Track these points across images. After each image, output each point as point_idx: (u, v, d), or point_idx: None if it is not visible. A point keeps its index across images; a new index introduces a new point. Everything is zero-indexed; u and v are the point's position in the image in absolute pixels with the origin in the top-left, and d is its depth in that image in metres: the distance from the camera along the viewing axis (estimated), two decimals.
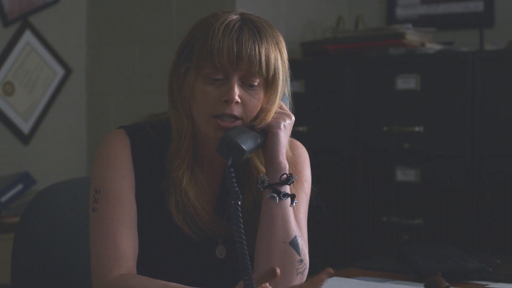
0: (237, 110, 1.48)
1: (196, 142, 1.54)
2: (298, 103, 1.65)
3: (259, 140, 1.50)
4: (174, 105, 1.54)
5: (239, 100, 1.47)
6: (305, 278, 1.54)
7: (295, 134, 1.61)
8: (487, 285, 1.71)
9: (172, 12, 3.66)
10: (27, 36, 3.69)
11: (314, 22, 3.84)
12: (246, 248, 1.29)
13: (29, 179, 3.59)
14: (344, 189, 3.33)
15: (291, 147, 1.61)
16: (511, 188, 3.00)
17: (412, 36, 3.34)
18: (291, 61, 1.58)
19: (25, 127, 3.70)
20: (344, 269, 1.90)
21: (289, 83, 1.56)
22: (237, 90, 1.47)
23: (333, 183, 3.32)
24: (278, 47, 1.51)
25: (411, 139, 3.18)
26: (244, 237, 1.30)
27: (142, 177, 1.53)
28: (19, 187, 3.56)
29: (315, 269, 1.58)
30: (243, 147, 1.45)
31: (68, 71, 3.86)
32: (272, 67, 1.49)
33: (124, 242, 1.48)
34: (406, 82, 3.19)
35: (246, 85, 1.49)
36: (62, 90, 3.84)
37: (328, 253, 3.30)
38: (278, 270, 1.25)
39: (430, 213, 3.15)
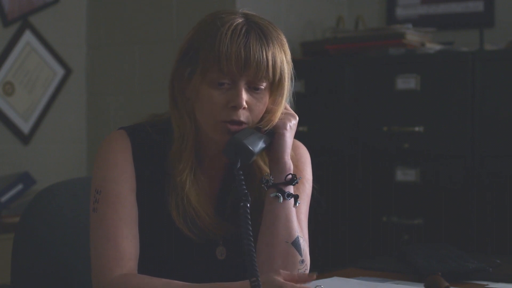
0: (244, 116, 1.48)
1: (197, 144, 1.54)
2: (298, 103, 1.65)
3: (266, 141, 1.50)
4: (176, 106, 1.53)
5: (246, 106, 1.47)
6: None
7: (295, 134, 1.61)
8: (487, 285, 1.70)
9: (172, 12, 3.66)
10: (27, 36, 3.69)
11: (314, 22, 3.84)
12: (254, 250, 1.30)
13: (29, 179, 3.59)
14: (344, 189, 3.33)
15: (293, 147, 1.61)
16: (511, 188, 3.00)
17: (412, 36, 3.34)
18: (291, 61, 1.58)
19: (25, 127, 3.70)
20: (344, 269, 1.90)
21: (293, 83, 1.56)
22: (244, 96, 1.47)
23: (333, 183, 3.32)
24: (283, 49, 1.51)
25: (411, 139, 3.18)
26: (252, 239, 1.31)
27: (143, 178, 1.53)
28: (19, 187, 3.55)
29: (315, 269, 1.57)
30: (252, 149, 1.45)
31: (68, 71, 3.86)
32: (278, 71, 1.49)
33: (125, 242, 1.48)
34: (406, 82, 3.19)
35: (252, 88, 1.49)
36: (62, 90, 3.84)
37: (328, 253, 3.30)
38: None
39: (430, 213, 3.15)
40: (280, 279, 1.33)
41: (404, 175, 3.20)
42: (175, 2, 3.65)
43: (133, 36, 3.79)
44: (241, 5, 3.43)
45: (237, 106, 1.46)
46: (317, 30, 3.84)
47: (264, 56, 1.46)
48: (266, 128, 1.51)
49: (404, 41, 3.29)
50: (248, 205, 1.36)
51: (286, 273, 1.35)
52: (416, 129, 3.16)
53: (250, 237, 1.31)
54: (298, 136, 1.64)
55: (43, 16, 3.75)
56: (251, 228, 1.32)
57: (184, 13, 3.62)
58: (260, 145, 1.48)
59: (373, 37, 3.38)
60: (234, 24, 1.48)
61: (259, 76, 1.47)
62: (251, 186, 1.55)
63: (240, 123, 1.48)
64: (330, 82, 3.38)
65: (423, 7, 3.75)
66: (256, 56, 1.46)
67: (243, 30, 1.47)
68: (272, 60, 1.48)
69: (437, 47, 3.30)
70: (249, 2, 3.48)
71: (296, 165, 1.59)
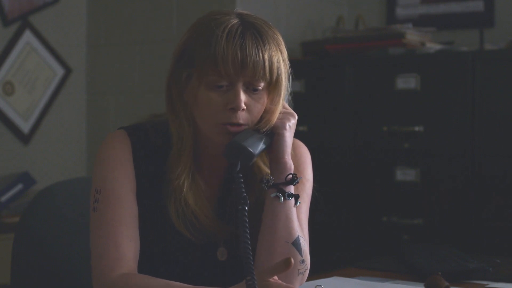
0: (243, 118, 1.47)
1: (196, 146, 1.54)
2: (298, 103, 1.65)
3: (266, 142, 1.50)
4: (174, 109, 1.53)
5: (245, 107, 1.47)
6: (305, 279, 1.54)
7: (295, 134, 1.61)
8: (487, 285, 1.71)
9: (172, 12, 3.66)
10: (27, 36, 3.69)
11: (314, 22, 3.84)
12: (251, 253, 1.30)
13: (29, 179, 3.59)
14: (344, 189, 3.33)
15: (293, 146, 1.61)
16: (511, 188, 3.00)
17: (412, 36, 3.34)
18: (291, 61, 1.57)
19: (25, 127, 3.70)
20: (344, 269, 1.90)
21: (290, 82, 1.56)
22: (243, 97, 1.46)
23: (333, 183, 3.32)
24: (279, 48, 1.50)
25: (411, 139, 3.18)
26: (249, 242, 1.31)
27: (143, 180, 1.53)
28: (19, 187, 3.56)
29: (315, 269, 1.57)
30: (252, 151, 1.45)
31: (68, 71, 3.86)
32: (275, 70, 1.48)
33: (125, 242, 1.47)
34: (406, 82, 3.19)
35: (250, 89, 1.48)
36: (62, 90, 3.84)
37: (328, 253, 3.30)
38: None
39: (430, 213, 3.15)
40: (276, 282, 1.33)
41: (404, 175, 3.20)
42: (175, 2, 3.65)
43: (133, 36, 3.79)
44: (241, 5, 3.43)
45: (236, 108, 1.46)
46: (317, 30, 3.84)
47: (261, 57, 1.46)
48: (265, 129, 1.50)
49: (404, 41, 3.29)
50: (247, 208, 1.35)
51: (268, 269, 1.33)
52: (416, 129, 3.16)
53: (248, 241, 1.31)
54: (298, 135, 1.64)
55: (43, 16, 3.75)
56: (248, 232, 1.32)
57: (184, 13, 3.62)
58: (260, 146, 1.48)
59: (373, 37, 3.38)
60: (230, 25, 1.47)
61: (256, 76, 1.46)
62: (251, 187, 1.55)
63: (239, 125, 1.47)
64: (330, 82, 3.38)
65: (423, 7, 3.75)
66: (253, 57, 1.45)
67: (238, 31, 1.46)
68: (269, 60, 1.47)
69: (437, 47, 3.30)
70: (249, 2, 3.48)
71: (296, 165, 1.58)
